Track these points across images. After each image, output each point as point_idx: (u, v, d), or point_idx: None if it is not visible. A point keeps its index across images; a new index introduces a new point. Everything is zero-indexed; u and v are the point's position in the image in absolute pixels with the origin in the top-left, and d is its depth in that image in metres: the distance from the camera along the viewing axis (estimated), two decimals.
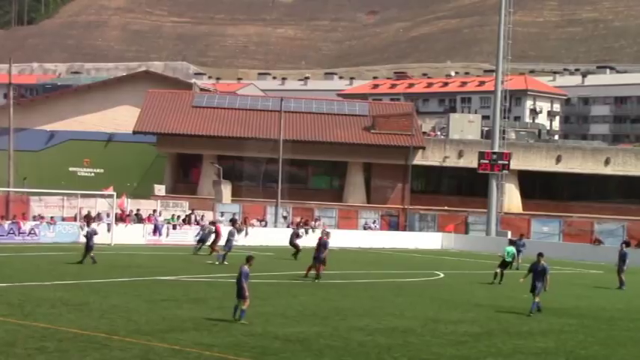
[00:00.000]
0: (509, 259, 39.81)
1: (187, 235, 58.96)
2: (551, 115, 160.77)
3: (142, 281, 32.07)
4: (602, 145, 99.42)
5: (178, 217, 60.80)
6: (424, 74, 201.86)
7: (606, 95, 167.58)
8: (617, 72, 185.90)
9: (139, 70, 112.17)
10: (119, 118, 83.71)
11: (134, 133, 76.63)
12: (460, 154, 79.34)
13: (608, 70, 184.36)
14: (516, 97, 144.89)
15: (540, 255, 28.49)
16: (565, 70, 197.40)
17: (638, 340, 23.25)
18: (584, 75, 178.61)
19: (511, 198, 78.23)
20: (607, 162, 79.34)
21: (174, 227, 58.74)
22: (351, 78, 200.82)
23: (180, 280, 33.41)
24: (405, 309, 26.89)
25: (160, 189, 72.81)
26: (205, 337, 20.17)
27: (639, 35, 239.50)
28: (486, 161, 71.78)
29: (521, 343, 21.44)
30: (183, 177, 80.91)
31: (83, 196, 59.69)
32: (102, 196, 59.10)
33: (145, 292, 28.15)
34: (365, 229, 70.50)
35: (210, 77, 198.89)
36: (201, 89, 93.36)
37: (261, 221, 65.27)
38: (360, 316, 24.72)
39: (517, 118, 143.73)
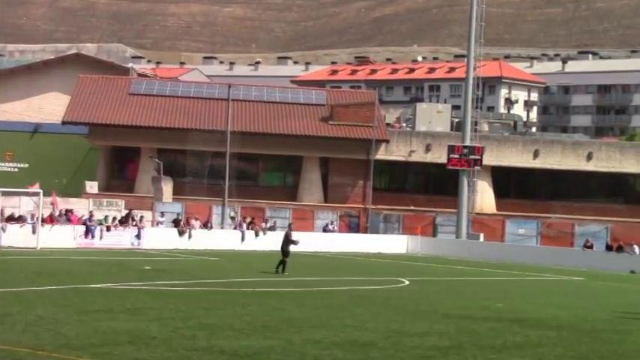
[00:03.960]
0: None
1: (123, 238, 58.78)
2: (528, 105, 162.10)
3: (71, 289, 31.85)
4: (583, 138, 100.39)
5: (114, 218, 60.47)
6: (388, 59, 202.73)
7: (588, 83, 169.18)
8: (601, 58, 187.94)
9: (69, 53, 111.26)
10: (46, 107, 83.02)
11: (63, 123, 76.05)
12: (428, 148, 79.66)
13: (590, 56, 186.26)
14: (490, 85, 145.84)
15: None
16: (543, 55, 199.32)
17: (622, 353, 23.45)
18: (564, 61, 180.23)
19: (484, 197, 78.70)
20: (589, 157, 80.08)
21: (108, 229, 58.46)
22: (307, 63, 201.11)
23: (115, 287, 33.22)
24: (366, 320, 26.94)
25: (91, 186, 72.36)
26: (143, 351, 20.06)
27: (624, 17, 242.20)
28: (456, 156, 72.16)
29: (494, 358, 21.55)
30: (119, 173, 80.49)
31: (5, 194, 59.09)
32: (27, 194, 58.65)
33: (75, 302, 27.95)
34: (325, 231, 70.56)
35: (149, 61, 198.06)
36: (140, 75, 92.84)
37: (206, 224, 65.07)
38: (316, 327, 24.73)
39: (490, 109, 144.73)
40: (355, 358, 20.57)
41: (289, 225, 46.55)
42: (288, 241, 43.14)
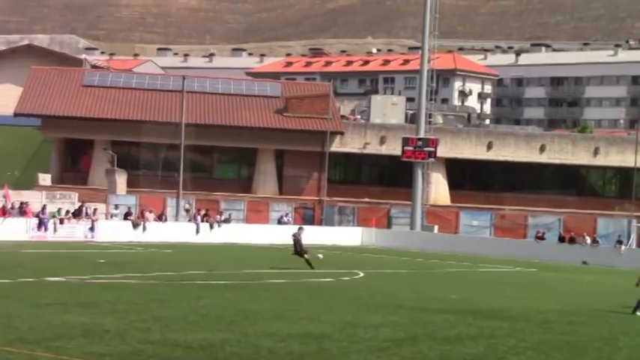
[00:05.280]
0: None
1: (77, 231, 58.37)
2: (481, 97, 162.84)
3: (24, 283, 31.63)
4: (536, 130, 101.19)
5: (67, 211, 59.92)
6: (343, 51, 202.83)
7: (541, 76, 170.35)
8: (554, 50, 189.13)
9: (20, 44, 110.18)
10: None
11: (15, 115, 75.47)
12: (382, 140, 79.87)
13: (543, 49, 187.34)
14: (444, 77, 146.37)
15: None
16: (497, 47, 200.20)
17: (575, 344, 23.68)
18: (517, 53, 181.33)
19: (438, 189, 79.09)
20: (542, 149, 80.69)
21: (61, 221, 58.03)
22: (262, 55, 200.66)
23: (69, 281, 33.03)
24: (320, 312, 26.99)
25: (44, 178, 71.84)
26: (97, 345, 19.97)
27: (577, 10, 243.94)
28: (411, 148, 72.40)
29: (448, 349, 21.68)
30: (72, 165, 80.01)
31: None
32: None
33: (28, 295, 27.76)
34: (280, 223, 70.48)
35: (102, 53, 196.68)
36: (93, 66, 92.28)
37: (160, 216, 64.75)
38: (271, 320, 24.75)
39: (445, 101, 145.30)
40: (310, 350, 20.60)
41: (300, 228, 46.10)
42: (299, 244, 42.79)
